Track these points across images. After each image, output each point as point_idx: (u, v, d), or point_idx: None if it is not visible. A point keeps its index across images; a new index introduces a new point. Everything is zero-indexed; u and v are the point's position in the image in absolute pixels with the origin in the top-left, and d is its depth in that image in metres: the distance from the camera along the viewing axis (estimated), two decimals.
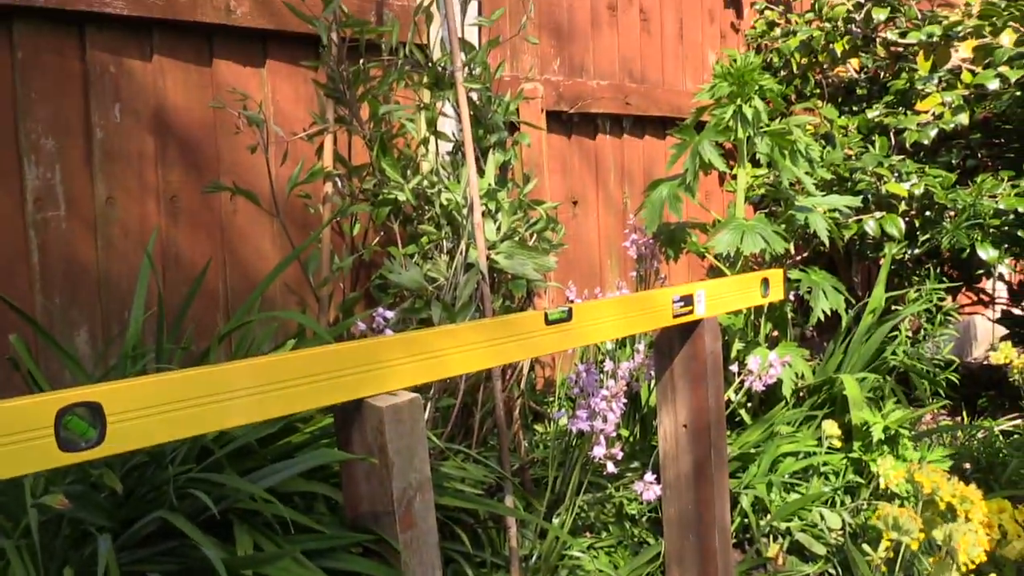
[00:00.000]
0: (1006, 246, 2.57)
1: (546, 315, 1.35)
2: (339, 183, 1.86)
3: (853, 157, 2.80)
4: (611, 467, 1.62)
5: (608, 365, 1.84)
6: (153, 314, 1.63)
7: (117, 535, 1.13)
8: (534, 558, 1.77)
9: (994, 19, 2.94)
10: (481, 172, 1.86)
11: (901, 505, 1.50)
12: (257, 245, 1.92)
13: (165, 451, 1.24)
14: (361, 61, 1.81)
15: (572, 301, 2.16)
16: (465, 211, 1.74)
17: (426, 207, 1.82)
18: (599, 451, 1.58)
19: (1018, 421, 2.33)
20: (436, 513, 1.55)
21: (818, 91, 3.43)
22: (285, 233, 1.82)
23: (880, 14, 3.20)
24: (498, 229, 1.82)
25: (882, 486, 1.71)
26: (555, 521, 1.81)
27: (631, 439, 2.22)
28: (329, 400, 1.11)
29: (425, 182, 1.80)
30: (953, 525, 1.37)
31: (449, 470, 1.48)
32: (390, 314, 1.61)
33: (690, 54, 3.31)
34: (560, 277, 2.64)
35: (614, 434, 1.60)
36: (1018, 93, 2.84)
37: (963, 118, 2.88)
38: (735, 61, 2.13)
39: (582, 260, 2.83)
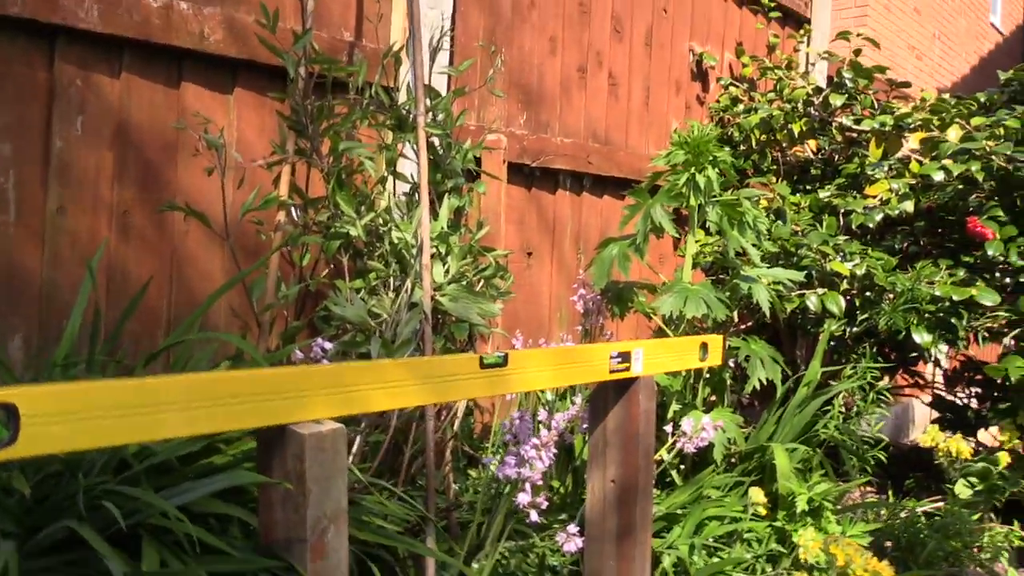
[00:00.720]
0: (940, 332, 2.66)
1: (481, 359, 1.38)
2: (293, 213, 1.89)
3: (801, 233, 2.89)
4: (535, 516, 1.63)
5: (542, 415, 1.86)
6: (91, 326, 1.62)
7: (24, 541, 1.12)
8: None
9: (943, 114, 3.08)
10: (435, 215, 1.90)
11: (815, 573, 1.53)
12: (206, 268, 1.92)
13: (82, 461, 1.23)
14: (328, 97, 1.85)
15: (516, 349, 2.18)
16: (415, 251, 1.77)
17: (377, 244, 1.85)
18: (524, 498, 1.60)
19: (940, 504, 2.38)
20: (354, 548, 1.55)
21: (775, 168, 3.55)
22: (234, 258, 1.83)
23: (837, 100, 3.34)
24: (447, 272, 1.85)
25: (801, 557, 1.74)
26: (475, 566, 1.81)
27: (562, 490, 2.24)
28: (254, 423, 1.12)
29: (379, 219, 1.83)
30: None
31: (371, 505, 1.49)
32: (329, 345, 1.62)
33: (655, 121, 3.41)
34: (508, 326, 2.67)
35: (540, 483, 1.62)
36: (960, 187, 2.97)
37: (908, 206, 3.00)
38: (693, 130, 2.21)
39: (531, 312, 2.87)
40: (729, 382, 2.38)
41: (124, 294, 1.80)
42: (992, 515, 2.38)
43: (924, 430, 4.20)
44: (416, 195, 1.97)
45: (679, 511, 2.07)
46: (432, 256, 1.84)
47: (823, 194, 3.18)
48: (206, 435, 1.36)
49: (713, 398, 2.41)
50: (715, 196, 2.25)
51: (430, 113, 1.93)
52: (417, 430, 1.76)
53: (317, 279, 1.94)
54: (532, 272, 2.88)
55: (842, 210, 3.05)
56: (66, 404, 0.93)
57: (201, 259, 1.92)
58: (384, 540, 1.49)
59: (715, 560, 1.95)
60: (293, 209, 1.88)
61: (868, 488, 2.65)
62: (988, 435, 3.06)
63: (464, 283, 1.89)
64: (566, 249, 3.02)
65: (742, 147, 3.54)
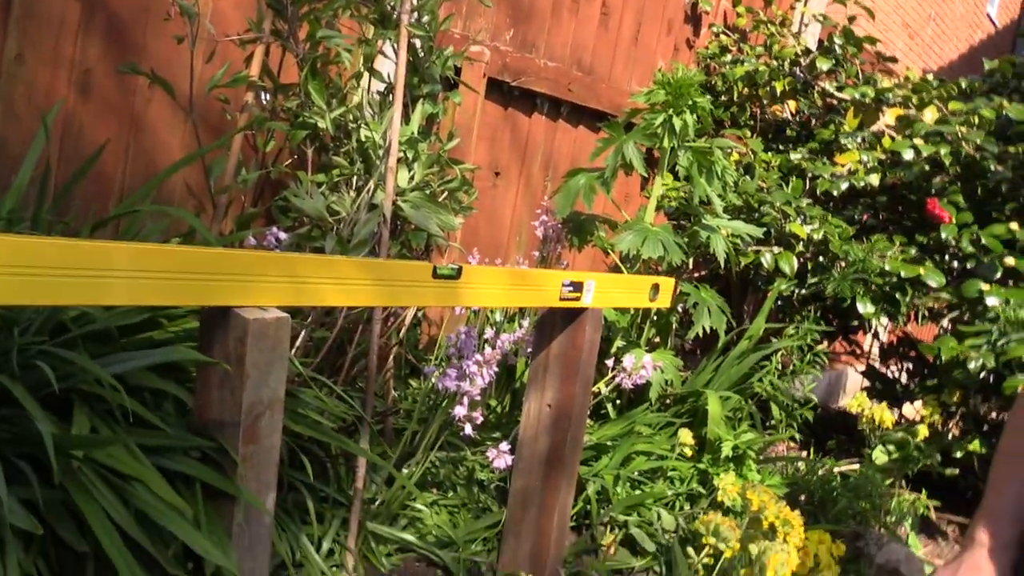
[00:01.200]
0: (884, 305, 2.72)
1: (435, 269, 1.37)
2: (263, 97, 1.83)
3: (766, 191, 2.91)
4: (469, 430, 1.66)
5: (489, 333, 1.87)
6: (40, 183, 1.57)
7: None
8: (377, 502, 1.80)
9: (923, 94, 3.09)
10: (407, 119, 1.86)
11: (730, 515, 1.59)
12: (165, 140, 1.87)
13: (19, 319, 1.20)
14: None
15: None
16: (382, 152, 1.74)
17: (344, 140, 1.81)
18: (460, 411, 1.62)
19: (857, 466, 2.48)
20: (288, 440, 1.56)
21: (752, 123, 3.54)
22: (195, 133, 1.78)
23: (824, 64, 3.33)
24: (411, 178, 1.83)
25: (719, 499, 1.80)
26: (404, 471, 1.84)
27: (499, 409, 2.27)
28: (199, 300, 1.11)
29: (349, 115, 1.79)
30: (769, 543, 1.46)
31: (309, 400, 1.49)
32: (284, 236, 1.60)
33: (641, 58, 3.36)
34: (466, 242, 2.67)
35: (479, 399, 1.64)
36: (927, 168, 3.01)
37: (874, 179, 3.03)
38: (677, 72, 2.19)
39: (491, 231, 2.86)
40: (675, 326, 2.42)
41: (78, 155, 1.74)
42: (903, 483, 2.48)
43: (854, 397, 4.34)
44: (390, 96, 1.93)
45: (609, 443, 2.12)
46: (399, 160, 1.81)
47: (794, 156, 3.19)
48: (149, 308, 1.34)
49: (657, 339, 2.45)
50: (689, 141, 2.25)
51: (415, 13, 1.87)
52: (363, 332, 1.76)
53: (279, 167, 1.90)
54: (497, 192, 2.86)
55: (810, 174, 3.07)
56: (10, 256, 0.90)
57: (161, 131, 1.86)
58: (318, 435, 1.51)
59: (637, 492, 2.01)
60: (263, 92, 1.83)
61: (792, 443, 2.75)
62: (912, 409, 3.18)
63: (427, 192, 1.87)
64: (534, 174, 3.00)
65: (723, 97, 3.52)
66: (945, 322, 2.81)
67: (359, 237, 1.63)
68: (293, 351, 1.60)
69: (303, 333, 1.60)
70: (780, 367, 2.58)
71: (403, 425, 2.03)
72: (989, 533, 1.10)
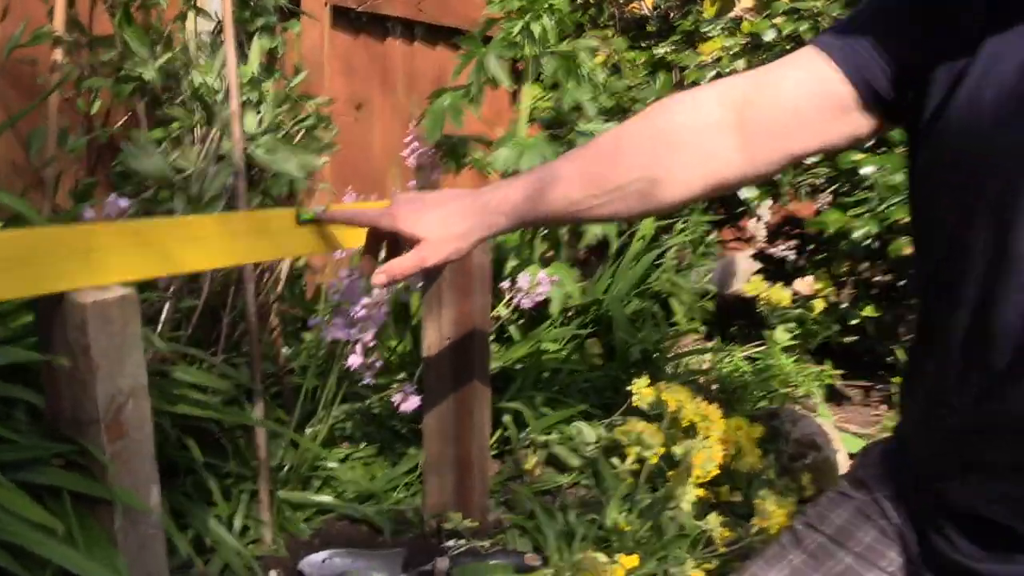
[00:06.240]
0: (766, 187, 2.73)
1: (297, 214, 1.24)
2: (74, 52, 1.62)
3: (636, 89, 2.85)
4: (369, 379, 1.56)
5: None
6: None
7: None
8: (286, 468, 1.69)
9: None
10: (245, 58, 1.69)
11: (651, 421, 1.56)
12: None
13: None
14: None
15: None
16: (220, 97, 1.57)
17: (177, 89, 1.63)
18: (355, 360, 1.51)
19: (761, 348, 2.51)
20: (172, 423, 1.42)
21: (612, 23, 3.46)
22: (2, 104, 1.57)
23: None
24: (260, 121, 1.67)
25: (635, 403, 1.77)
26: (308, 431, 1.73)
27: (399, 349, 2.17)
28: (26, 291, 0.96)
29: (177, 60, 1.61)
30: (692, 442, 1.44)
31: (184, 376, 1.36)
32: (125, 203, 1.43)
33: None
34: (338, 182, 2.52)
35: (373, 344, 1.54)
36: (788, 47, 3.00)
37: (740, 64, 3.01)
38: None
39: (363, 166, 2.71)
40: (566, 238, 2.35)
41: None
42: (807, 356, 2.54)
43: (747, 281, 4.44)
44: (221, 35, 1.75)
45: (517, 365, 2.06)
46: (243, 104, 1.65)
47: (659, 51, 3.14)
48: None
49: (551, 254, 2.38)
50: (550, 47, 2.15)
51: None
52: (237, 295, 1.62)
53: (108, 129, 1.70)
54: (362, 126, 2.71)
55: (677, 66, 3.02)
56: None
57: None
58: (202, 412, 1.38)
59: (554, 413, 1.96)
60: (74, 48, 1.62)
61: (696, 336, 2.76)
62: (804, 284, 3.25)
63: (282, 135, 1.72)
64: (399, 101, 2.85)
65: (579, 0, 3.42)
66: (826, 196, 2.85)
67: (211, 192, 1.48)
68: (159, 327, 1.46)
69: (167, 306, 1.45)
70: (676, 263, 2.56)
71: (301, 382, 1.91)
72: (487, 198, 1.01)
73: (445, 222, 1.04)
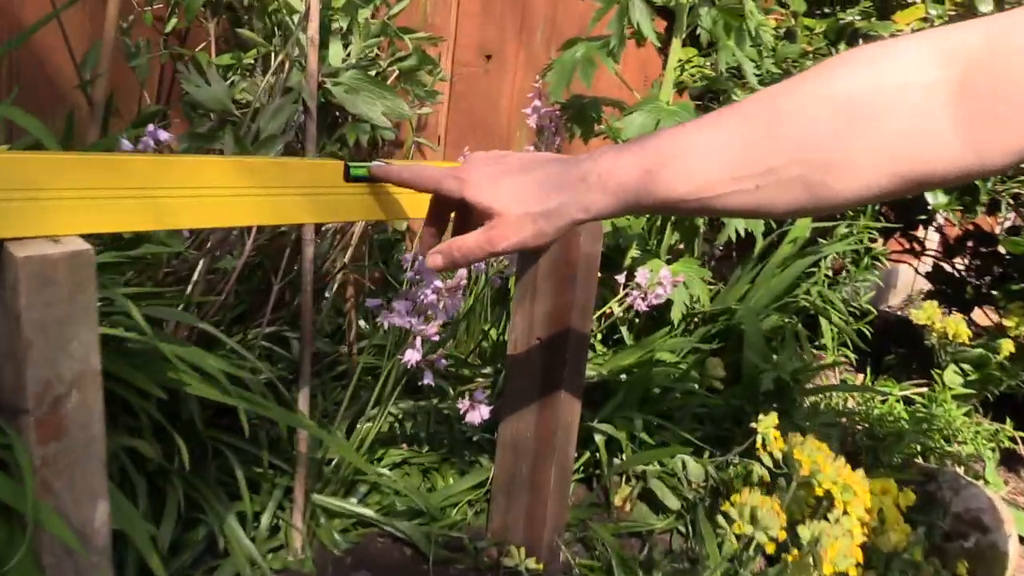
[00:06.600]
0: (960, 194, 2.25)
1: (347, 167, 0.97)
2: None
3: (811, 57, 2.41)
4: (429, 378, 1.28)
5: None
6: None
7: None
8: (331, 465, 1.45)
9: None
10: None
11: (772, 493, 1.21)
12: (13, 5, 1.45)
13: None
14: None
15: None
16: (298, 19, 1.31)
17: (257, 5, 1.38)
18: (413, 355, 1.23)
19: (924, 390, 2.07)
20: (202, 404, 1.20)
21: None
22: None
23: None
24: (348, 55, 1.40)
25: (757, 444, 1.41)
26: (366, 425, 1.48)
27: (495, 336, 1.89)
28: None
29: None
30: (824, 525, 1.08)
31: (215, 355, 1.11)
32: (166, 136, 1.19)
33: None
34: (457, 140, 2.25)
35: (437, 338, 1.25)
36: None
37: None
38: None
39: (488, 124, 2.42)
40: (703, 229, 1.98)
41: None
42: (982, 408, 2.07)
43: (906, 297, 3.88)
44: None
45: (622, 377, 1.73)
46: (330, 31, 1.39)
47: (845, 17, 2.66)
48: None
49: (681, 246, 2.02)
50: None
51: None
52: (293, 255, 1.38)
53: (172, 48, 1.47)
54: (491, 78, 2.41)
55: (863, 35, 2.55)
56: None
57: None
58: (219, 396, 1.14)
59: (656, 440, 1.63)
60: None
61: (844, 361, 2.34)
62: (980, 313, 2.74)
63: (373, 73, 1.45)
64: (536, 53, 2.53)
65: None
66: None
67: (269, 130, 1.22)
68: (191, 287, 1.22)
69: (201, 264, 1.22)
70: (831, 274, 2.14)
71: (375, 363, 1.66)
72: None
73: (525, 195, 0.77)
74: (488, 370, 1.80)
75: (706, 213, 0.76)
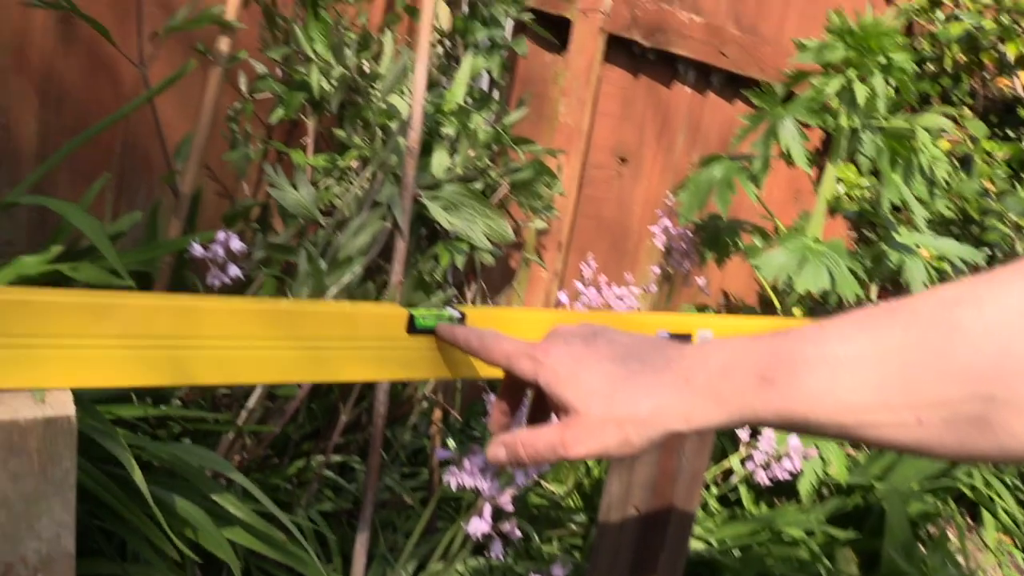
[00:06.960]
0: None
1: (412, 319, 0.81)
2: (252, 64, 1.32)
3: (992, 195, 2.12)
4: (498, 550, 1.08)
5: None
6: None
7: None
8: None
9: None
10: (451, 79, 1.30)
11: None
12: (99, 98, 1.40)
13: None
14: None
15: (586, 283, 1.61)
16: (395, 125, 1.18)
17: (360, 103, 1.27)
18: (479, 525, 1.04)
19: None
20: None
21: (970, 100, 2.71)
22: (145, 82, 1.27)
23: None
24: (452, 165, 1.27)
25: None
26: None
27: (597, 477, 1.69)
28: None
29: (363, 63, 1.25)
30: None
31: (239, 503, 0.96)
32: (238, 244, 1.08)
33: (822, 15, 2.62)
34: (581, 246, 2.09)
35: (511, 509, 1.06)
36: None
37: None
38: (864, 18, 1.49)
39: (616, 231, 2.25)
40: None
41: None
42: None
43: None
44: (447, 44, 1.37)
45: (736, 551, 1.48)
46: (439, 139, 1.26)
47: None
48: None
49: None
50: (877, 118, 1.55)
51: None
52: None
53: (266, 144, 1.38)
54: (624, 183, 2.25)
55: None
56: None
57: (89, 86, 1.39)
58: (246, 541, 0.99)
59: None
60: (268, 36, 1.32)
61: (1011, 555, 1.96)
62: None
63: (480, 186, 1.31)
64: (676, 161, 2.35)
65: (931, 67, 2.71)
66: None
67: (346, 251, 1.09)
68: (243, 417, 1.09)
69: (259, 389, 1.08)
70: None
71: (458, 495, 1.49)
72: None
73: (612, 392, 0.60)
74: (582, 518, 1.59)
75: (848, 439, 0.56)
